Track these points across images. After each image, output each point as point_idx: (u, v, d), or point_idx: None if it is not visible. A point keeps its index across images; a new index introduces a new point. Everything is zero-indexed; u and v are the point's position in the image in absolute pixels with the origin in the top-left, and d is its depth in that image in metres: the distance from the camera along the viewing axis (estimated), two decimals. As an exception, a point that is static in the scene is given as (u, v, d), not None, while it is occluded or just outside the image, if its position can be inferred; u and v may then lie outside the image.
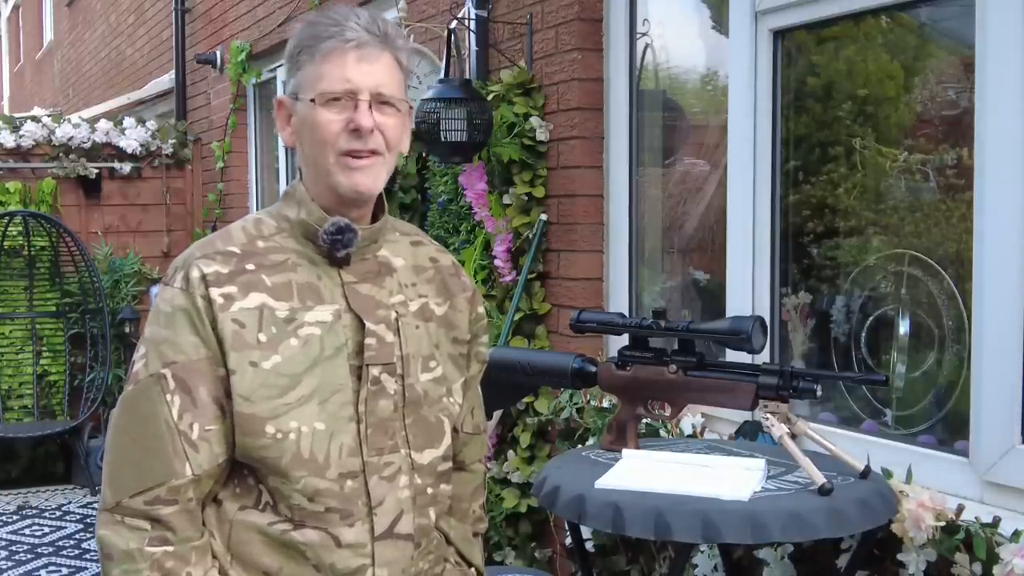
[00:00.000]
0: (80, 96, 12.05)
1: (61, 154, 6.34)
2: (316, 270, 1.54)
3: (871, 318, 2.59)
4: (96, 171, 6.44)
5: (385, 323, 1.55)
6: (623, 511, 1.89)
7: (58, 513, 5.59)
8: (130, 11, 9.35)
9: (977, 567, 1.99)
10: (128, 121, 6.59)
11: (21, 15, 18.28)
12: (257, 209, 6.48)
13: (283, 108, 1.57)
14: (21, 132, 6.27)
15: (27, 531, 5.27)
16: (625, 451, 2.20)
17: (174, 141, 6.70)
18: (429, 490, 1.59)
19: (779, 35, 2.74)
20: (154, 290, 6.48)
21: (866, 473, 2.04)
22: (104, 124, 6.48)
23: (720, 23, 3.07)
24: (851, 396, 2.62)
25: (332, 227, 1.51)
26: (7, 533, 5.23)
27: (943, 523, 2.05)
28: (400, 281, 1.60)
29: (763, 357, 2.50)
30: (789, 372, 2.06)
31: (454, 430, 1.66)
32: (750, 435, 2.63)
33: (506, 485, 3.49)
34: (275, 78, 6.19)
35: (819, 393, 2.04)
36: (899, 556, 2.12)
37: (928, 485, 2.14)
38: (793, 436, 2.05)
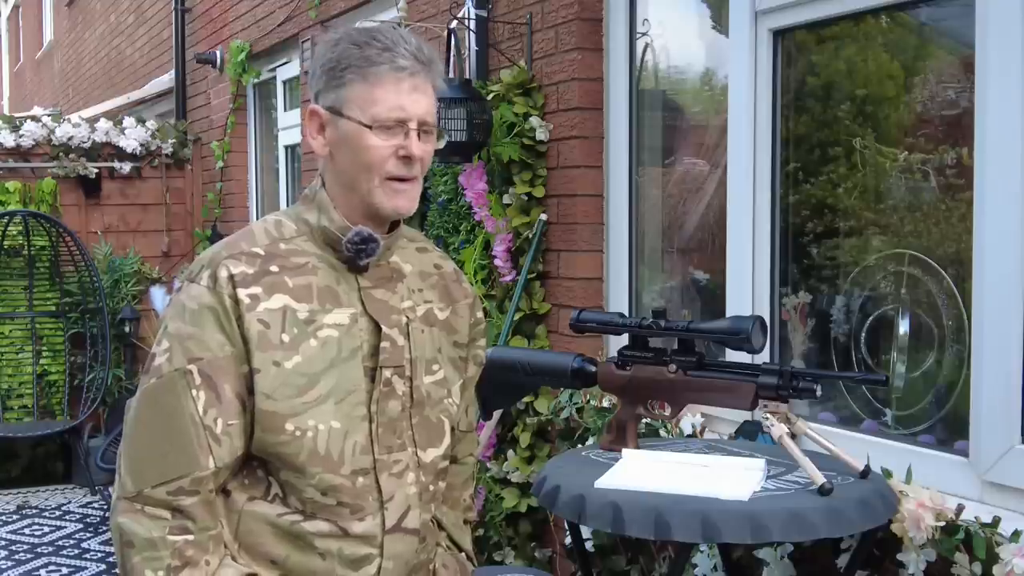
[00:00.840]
0: (80, 96, 12.05)
1: (61, 154, 6.33)
2: (335, 274, 1.59)
3: (871, 318, 2.59)
4: (96, 171, 6.44)
5: (397, 327, 1.61)
6: (623, 511, 1.89)
7: (58, 513, 5.59)
8: (130, 11, 9.35)
9: (977, 567, 1.99)
10: (128, 121, 6.59)
11: (21, 15, 18.28)
12: (257, 209, 6.50)
13: (317, 118, 1.59)
14: (21, 132, 6.27)
15: (27, 531, 5.27)
16: (625, 451, 2.20)
17: (174, 141, 6.70)
18: (431, 487, 1.67)
19: (779, 35, 2.75)
20: (153, 290, 6.48)
21: (866, 473, 2.04)
22: (104, 124, 6.48)
23: (720, 23, 3.07)
24: (851, 396, 2.61)
25: (356, 237, 1.56)
26: (7, 533, 5.23)
27: (943, 523, 2.05)
28: (409, 287, 1.67)
29: (763, 357, 2.50)
30: (789, 372, 2.06)
31: (451, 429, 1.71)
32: (750, 435, 2.63)
33: (506, 485, 3.49)
34: (275, 78, 6.19)
35: (819, 393, 2.04)
36: (899, 556, 2.12)
37: (928, 485, 2.14)
38: (793, 436, 2.05)
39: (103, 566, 4.73)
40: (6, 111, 17.44)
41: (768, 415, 2.06)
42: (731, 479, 1.98)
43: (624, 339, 2.33)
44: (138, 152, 6.53)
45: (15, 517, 5.51)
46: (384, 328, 1.59)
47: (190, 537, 1.49)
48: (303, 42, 5.36)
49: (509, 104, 3.44)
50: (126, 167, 6.54)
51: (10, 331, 6.20)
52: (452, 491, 1.82)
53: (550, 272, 3.48)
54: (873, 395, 2.56)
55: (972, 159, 2.21)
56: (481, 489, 3.58)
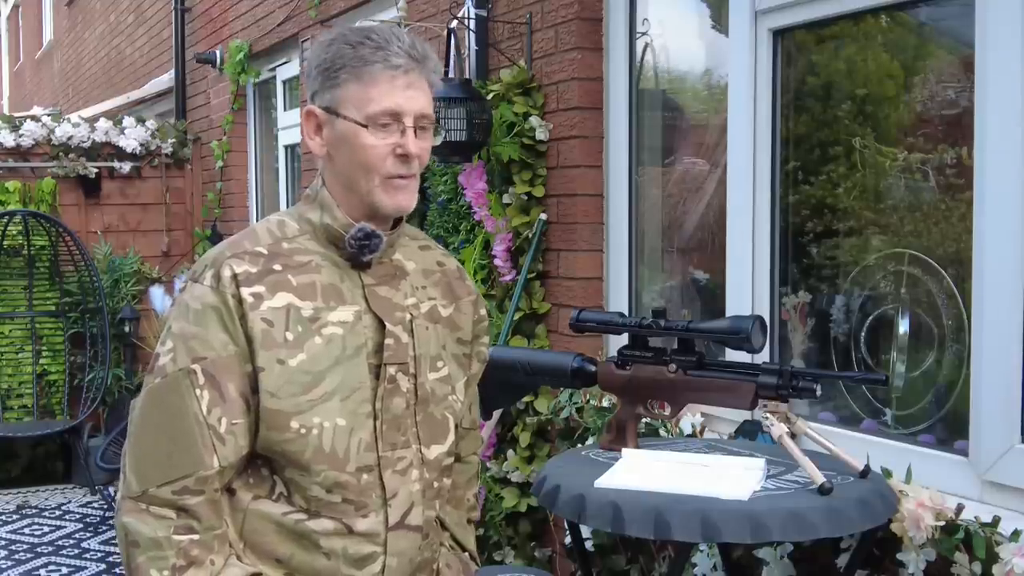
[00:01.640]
0: (80, 95, 12.05)
1: (61, 153, 6.33)
2: (338, 272, 1.59)
3: (871, 317, 2.59)
4: (96, 170, 6.44)
5: (401, 324, 1.62)
6: (623, 510, 1.89)
7: (58, 512, 5.59)
8: (130, 10, 9.35)
9: (977, 566, 1.99)
10: (128, 120, 6.58)
11: (21, 14, 18.27)
12: (256, 208, 6.50)
13: (314, 119, 1.59)
14: (21, 131, 6.26)
15: (27, 530, 5.27)
16: (625, 450, 2.20)
17: (174, 140, 6.70)
18: (435, 484, 1.67)
19: (779, 35, 2.74)
20: (152, 290, 6.48)
21: (866, 472, 2.04)
22: (104, 123, 6.48)
23: (720, 22, 3.07)
24: (851, 395, 2.61)
25: (360, 233, 1.57)
26: (7, 532, 5.23)
27: (943, 523, 2.05)
28: (412, 284, 1.67)
29: (763, 356, 2.50)
30: (789, 371, 2.06)
31: (456, 426, 1.72)
32: (750, 434, 2.63)
33: (506, 484, 3.49)
34: (275, 77, 6.19)
35: (819, 392, 2.04)
36: (899, 555, 2.12)
37: (928, 484, 2.14)
38: (793, 435, 2.05)
39: (103, 566, 4.73)
40: (6, 111, 17.44)
41: (768, 415, 2.06)
42: (731, 479, 1.98)
43: (624, 339, 2.33)
44: (138, 152, 6.53)
45: (15, 517, 5.51)
46: (388, 325, 1.59)
47: (195, 537, 1.50)
48: (303, 42, 5.36)
49: (509, 104, 3.44)
50: (126, 167, 6.54)
51: (10, 331, 6.20)
52: (456, 490, 1.82)
53: (550, 272, 3.48)
54: (873, 395, 2.56)
55: (972, 159, 2.21)
56: (481, 489, 3.58)
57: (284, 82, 6.11)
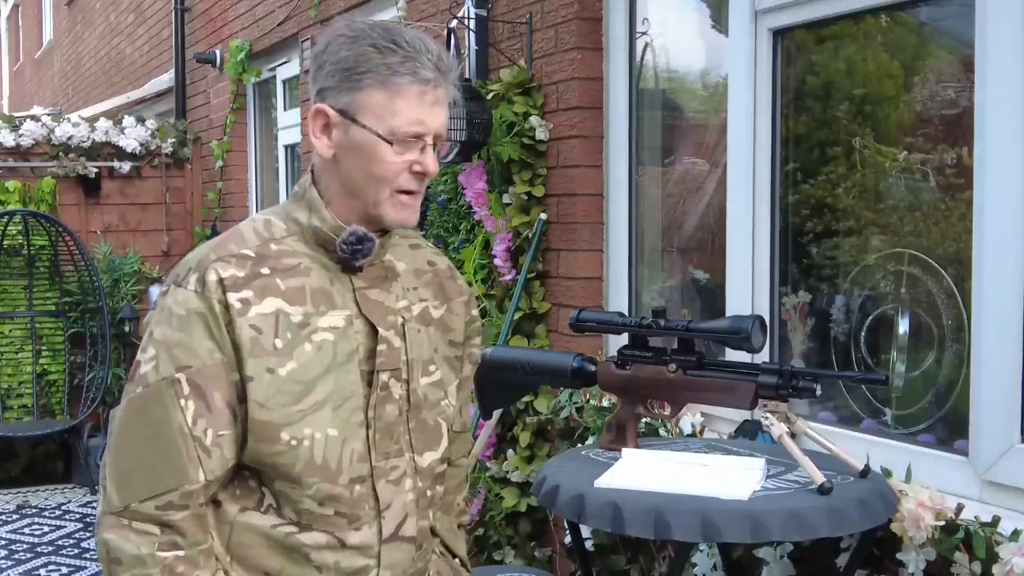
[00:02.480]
0: (80, 95, 12.05)
1: (60, 153, 6.33)
2: (328, 275, 1.52)
3: (871, 317, 2.59)
4: (95, 170, 6.44)
5: (393, 329, 1.55)
6: (622, 510, 1.89)
7: (58, 512, 5.59)
8: (130, 10, 9.35)
9: (976, 566, 1.99)
10: (128, 120, 6.58)
11: (21, 14, 18.27)
12: (257, 208, 6.50)
13: (323, 117, 1.50)
14: (21, 131, 6.26)
15: (27, 530, 5.27)
16: (625, 450, 2.20)
17: (173, 140, 6.70)
18: (428, 492, 1.61)
19: (779, 34, 2.74)
20: (154, 289, 6.48)
21: (865, 472, 2.04)
22: (104, 123, 6.48)
23: (720, 22, 3.07)
24: (851, 395, 2.62)
25: (351, 237, 1.50)
26: (7, 532, 5.23)
27: (942, 522, 2.05)
28: (403, 285, 1.61)
29: (763, 356, 2.50)
30: (788, 371, 2.06)
31: (448, 431, 1.67)
32: (750, 434, 2.63)
33: (506, 484, 3.49)
34: (274, 77, 6.19)
35: (819, 392, 2.04)
36: (898, 555, 2.12)
37: (928, 484, 2.14)
38: (792, 435, 2.05)
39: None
40: (6, 111, 17.44)
41: (768, 414, 2.06)
42: (731, 479, 1.98)
43: (624, 338, 2.33)
44: (138, 151, 6.53)
45: (15, 516, 5.51)
46: (380, 330, 1.52)
47: (180, 553, 1.43)
48: (303, 41, 5.36)
49: (509, 103, 3.44)
50: (126, 167, 6.54)
51: (10, 331, 6.20)
52: (446, 495, 1.76)
53: (550, 272, 3.48)
54: (873, 394, 2.56)
55: (972, 159, 2.21)
56: (481, 489, 3.58)
57: (284, 82, 6.11)
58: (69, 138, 6.34)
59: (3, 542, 5.07)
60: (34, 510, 5.62)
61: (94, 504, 5.71)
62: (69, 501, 5.80)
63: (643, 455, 2.16)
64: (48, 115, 6.71)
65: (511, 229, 3.49)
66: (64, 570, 4.70)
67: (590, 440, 3.05)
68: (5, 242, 6.08)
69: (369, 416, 1.51)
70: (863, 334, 2.60)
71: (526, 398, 3.40)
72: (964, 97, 2.34)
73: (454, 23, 3.63)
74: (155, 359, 1.45)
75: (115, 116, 6.80)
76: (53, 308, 6.27)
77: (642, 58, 3.33)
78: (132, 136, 6.50)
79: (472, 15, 3.67)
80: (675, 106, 3.36)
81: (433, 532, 1.71)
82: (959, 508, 2.07)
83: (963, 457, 2.25)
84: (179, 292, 1.47)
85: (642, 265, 3.35)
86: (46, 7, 15.30)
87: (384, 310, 1.55)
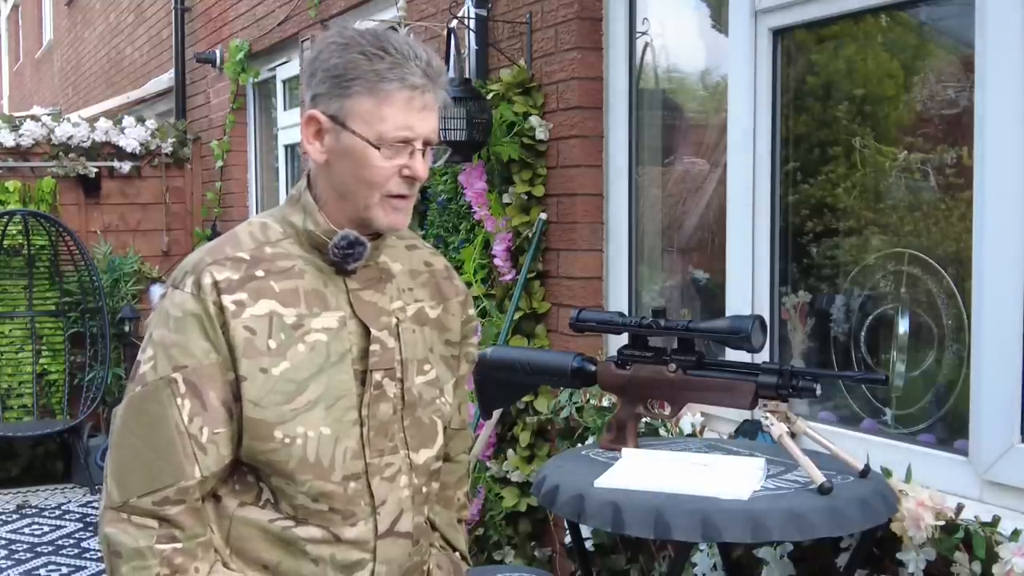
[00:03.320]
0: (80, 95, 12.05)
1: (60, 153, 6.33)
2: (322, 277, 1.56)
3: (871, 317, 2.59)
4: (95, 170, 6.44)
5: (387, 329, 1.59)
6: (622, 510, 1.89)
7: (57, 512, 5.59)
8: (130, 10, 9.35)
9: (976, 566, 1.99)
10: (127, 120, 6.58)
11: (21, 14, 18.27)
12: (256, 208, 6.50)
13: (315, 124, 1.53)
14: (21, 131, 6.26)
15: (27, 530, 5.27)
16: (625, 450, 2.20)
17: (173, 140, 6.70)
18: (424, 489, 1.65)
19: (779, 34, 2.74)
20: (153, 289, 6.48)
21: (866, 472, 2.04)
22: (104, 123, 6.48)
23: (720, 22, 3.07)
24: (851, 395, 2.62)
25: (343, 241, 1.53)
26: (7, 532, 5.23)
27: (943, 522, 2.05)
28: (398, 286, 1.64)
29: (763, 356, 2.50)
30: (788, 371, 2.06)
31: (444, 428, 1.69)
32: (750, 434, 2.63)
33: (506, 484, 3.49)
34: (274, 77, 6.19)
35: (819, 392, 2.04)
36: (899, 555, 2.12)
37: (928, 484, 2.15)
38: (792, 435, 2.05)
39: (103, 565, 4.71)
40: (6, 110, 17.44)
41: (768, 414, 2.06)
42: (731, 478, 1.98)
43: (624, 338, 2.33)
44: (138, 151, 6.53)
45: (15, 516, 5.51)
46: (373, 331, 1.56)
47: (178, 545, 1.48)
48: (303, 41, 5.36)
49: (509, 103, 3.44)
50: (126, 166, 6.54)
51: (10, 330, 6.20)
52: (445, 490, 1.79)
53: (550, 271, 3.48)
54: (873, 394, 2.56)
55: (972, 159, 2.21)
56: (481, 489, 3.58)
57: (284, 82, 6.11)
58: (69, 138, 6.34)
59: (3, 542, 5.07)
60: (34, 510, 5.62)
61: (94, 504, 5.71)
62: (69, 501, 5.80)
63: (643, 455, 2.16)
64: (48, 115, 6.70)
65: (511, 229, 3.49)
66: (64, 570, 4.70)
67: (590, 440, 3.05)
68: (5, 242, 6.09)
69: (363, 414, 1.55)
70: (863, 334, 2.60)
71: (526, 398, 3.40)
72: (964, 97, 2.34)
73: (454, 23, 3.63)
74: (153, 359, 1.50)
75: (115, 116, 6.80)
76: (53, 308, 6.27)
77: (642, 58, 3.33)
78: (132, 136, 6.50)
79: (472, 15, 3.68)
80: (675, 106, 3.36)
81: (433, 526, 1.75)
82: (959, 508, 2.07)
83: (963, 457, 2.25)
84: (176, 294, 1.52)
85: (642, 265, 3.35)
86: (46, 7, 15.30)
87: (377, 311, 1.59)
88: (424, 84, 1.50)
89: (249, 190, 6.60)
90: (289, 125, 5.98)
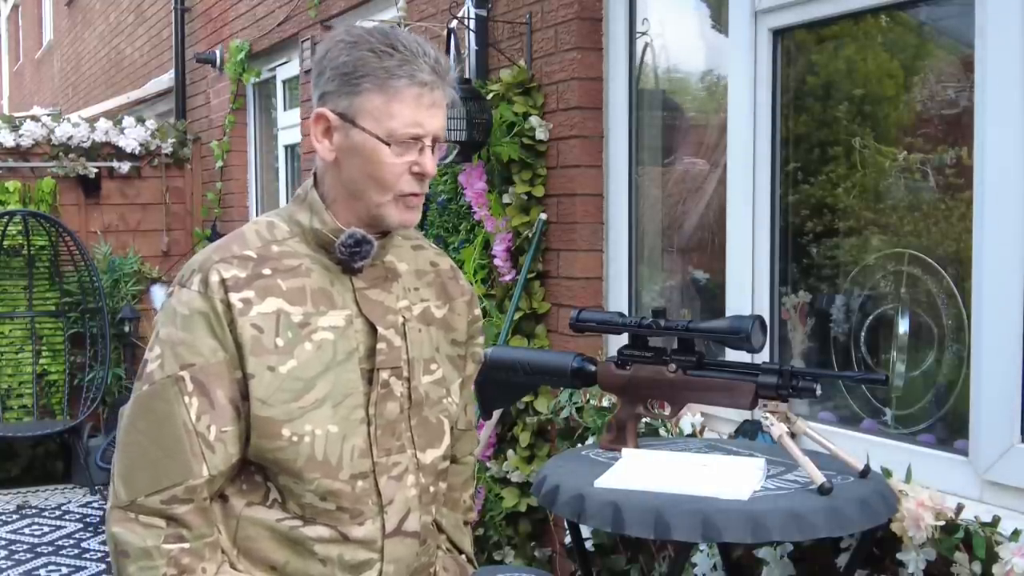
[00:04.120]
0: (80, 95, 12.05)
1: (60, 153, 6.33)
2: (329, 276, 1.56)
3: (871, 317, 2.59)
4: (95, 170, 6.44)
5: (393, 328, 1.59)
6: (622, 510, 1.89)
7: (57, 512, 5.59)
8: (130, 10, 9.35)
9: (976, 566, 1.99)
10: (127, 120, 6.58)
11: (21, 14, 18.28)
12: (257, 208, 6.50)
13: (324, 121, 1.54)
14: (20, 131, 6.26)
15: (26, 530, 5.27)
16: (624, 450, 2.20)
17: (173, 140, 6.70)
18: (431, 488, 1.65)
19: (779, 34, 2.74)
20: (154, 289, 6.48)
21: (866, 472, 2.04)
22: (103, 123, 6.48)
23: (720, 22, 3.07)
24: (851, 395, 2.61)
25: (350, 240, 1.53)
26: (7, 532, 5.23)
27: (943, 522, 2.05)
28: (404, 286, 1.64)
29: (763, 356, 2.50)
30: (788, 371, 2.06)
31: (451, 428, 1.69)
32: (749, 434, 2.63)
33: (506, 484, 3.49)
34: (274, 77, 6.19)
35: (819, 392, 2.04)
36: (899, 555, 2.12)
37: (928, 484, 2.14)
38: (792, 435, 2.05)
39: (103, 566, 4.73)
40: (6, 111, 17.44)
41: (768, 414, 2.06)
42: (731, 479, 1.98)
43: (624, 338, 2.33)
44: (137, 152, 6.54)
45: (15, 517, 5.51)
46: (380, 329, 1.56)
47: (185, 545, 1.47)
48: (303, 42, 5.36)
49: (509, 103, 3.44)
50: (125, 167, 6.54)
51: (10, 331, 6.20)
52: (452, 492, 1.79)
53: (550, 272, 3.48)
54: (873, 394, 2.56)
55: (972, 159, 2.21)
56: (481, 489, 3.58)
57: (284, 82, 6.11)
58: (69, 138, 6.34)
59: (3, 542, 5.07)
60: (34, 510, 5.62)
61: (94, 504, 5.71)
62: (69, 501, 5.80)
63: (643, 455, 2.16)
64: (48, 115, 6.70)
65: (511, 229, 3.49)
66: (64, 570, 4.70)
67: (590, 440, 3.05)
68: (5, 242, 6.09)
69: (370, 413, 1.55)
70: (863, 334, 2.60)
71: (526, 398, 3.40)
72: (964, 97, 2.34)
73: (454, 23, 3.63)
74: (160, 358, 1.50)
75: (115, 116, 6.80)
76: (53, 308, 6.27)
77: (642, 58, 3.33)
78: (132, 136, 6.50)
79: (472, 15, 3.68)
80: (675, 106, 3.36)
81: (439, 528, 1.75)
82: (959, 508, 2.07)
83: (963, 457, 2.25)
84: (183, 293, 1.52)
85: (642, 265, 3.35)
86: (46, 7, 15.30)
87: (384, 310, 1.59)
88: (433, 81, 1.51)
89: (249, 190, 6.60)
90: (289, 125, 5.98)
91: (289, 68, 5.94)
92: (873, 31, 2.62)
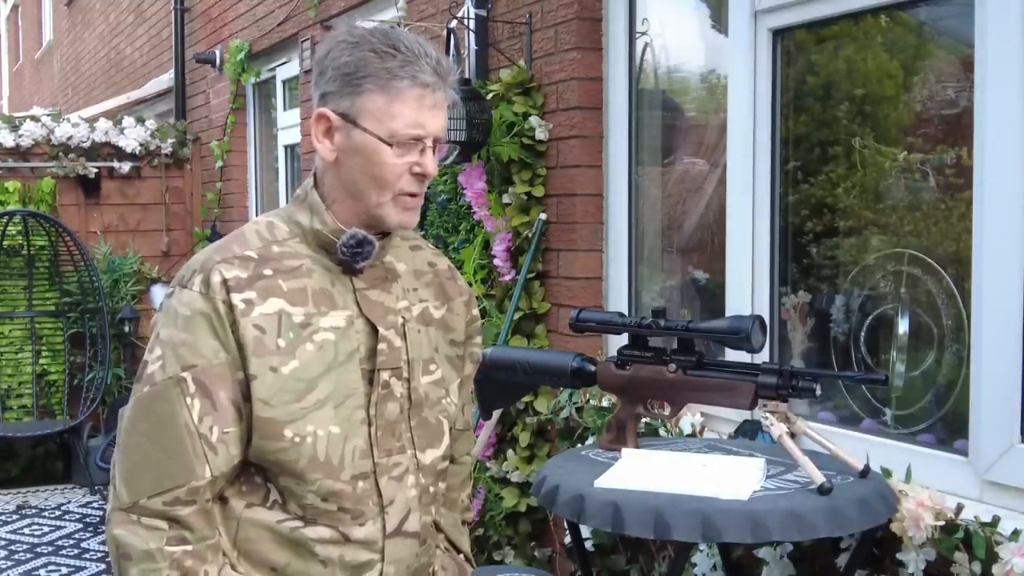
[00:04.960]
0: (79, 95, 12.05)
1: (60, 153, 6.33)
2: (329, 276, 1.56)
3: (870, 317, 2.59)
4: (95, 170, 6.44)
5: (394, 328, 1.59)
6: (622, 510, 1.89)
7: (57, 512, 5.59)
8: (129, 10, 9.35)
9: (976, 566, 1.99)
10: (127, 120, 6.58)
11: (20, 14, 18.28)
12: (256, 208, 6.50)
13: (325, 121, 1.54)
14: (20, 131, 6.26)
15: (26, 530, 5.27)
16: (624, 450, 2.20)
17: (173, 140, 6.70)
18: (431, 489, 1.65)
19: (778, 34, 2.74)
20: (154, 289, 6.48)
21: (865, 472, 2.04)
22: (103, 123, 6.48)
23: (720, 22, 3.07)
24: (850, 395, 2.61)
25: (352, 240, 1.53)
26: (6, 532, 5.23)
27: (942, 522, 2.05)
28: (403, 286, 1.64)
29: (762, 356, 2.50)
30: (788, 371, 2.06)
31: (450, 429, 1.69)
32: (749, 434, 2.63)
33: (506, 484, 3.49)
34: (274, 78, 6.19)
35: (818, 392, 2.04)
36: (898, 555, 2.12)
37: (927, 484, 2.15)
38: (792, 435, 2.05)
39: (102, 566, 4.73)
40: (5, 111, 17.44)
41: (768, 414, 2.06)
42: (731, 479, 1.98)
43: (624, 339, 2.33)
44: (137, 152, 6.54)
45: (15, 517, 5.51)
46: (380, 330, 1.57)
47: (188, 547, 1.47)
48: (303, 42, 5.36)
49: (508, 104, 3.44)
50: (125, 167, 6.54)
51: (10, 331, 6.20)
52: (450, 492, 1.79)
53: (550, 272, 3.48)
54: (873, 394, 2.56)
55: (972, 159, 2.21)
56: (481, 489, 3.58)
57: (284, 82, 6.11)
58: (69, 138, 6.34)
59: (3, 542, 5.07)
60: (34, 510, 5.62)
61: (94, 504, 5.72)
62: (69, 501, 5.80)
63: (643, 455, 2.16)
64: (48, 115, 6.70)
65: (511, 229, 3.49)
66: (64, 570, 4.70)
67: (590, 440, 3.05)
68: (5, 242, 6.09)
69: (371, 414, 1.55)
70: (863, 334, 2.60)
71: (526, 398, 3.40)
72: (964, 97, 2.34)
73: (454, 23, 3.63)
74: (161, 359, 1.49)
75: (115, 116, 6.80)
76: (53, 308, 6.27)
77: (642, 58, 3.33)
78: (132, 136, 6.50)
79: (472, 15, 3.68)
80: (675, 106, 3.36)
81: (438, 528, 1.75)
82: (959, 508, 2.07)
83: (963, 457, 2.25)
84: (184, 293, 1.51)
85: (642, 265, 3.35)
86: (46, 7, 15.30)
87: (384, 310, 1.59)
88: (435, 82, 1.51)
89: (249, 190, 6.60)
90: (289, 125, 5.98)
91: (289, 68, 5.94)
92: (873, 31, 2.62)
